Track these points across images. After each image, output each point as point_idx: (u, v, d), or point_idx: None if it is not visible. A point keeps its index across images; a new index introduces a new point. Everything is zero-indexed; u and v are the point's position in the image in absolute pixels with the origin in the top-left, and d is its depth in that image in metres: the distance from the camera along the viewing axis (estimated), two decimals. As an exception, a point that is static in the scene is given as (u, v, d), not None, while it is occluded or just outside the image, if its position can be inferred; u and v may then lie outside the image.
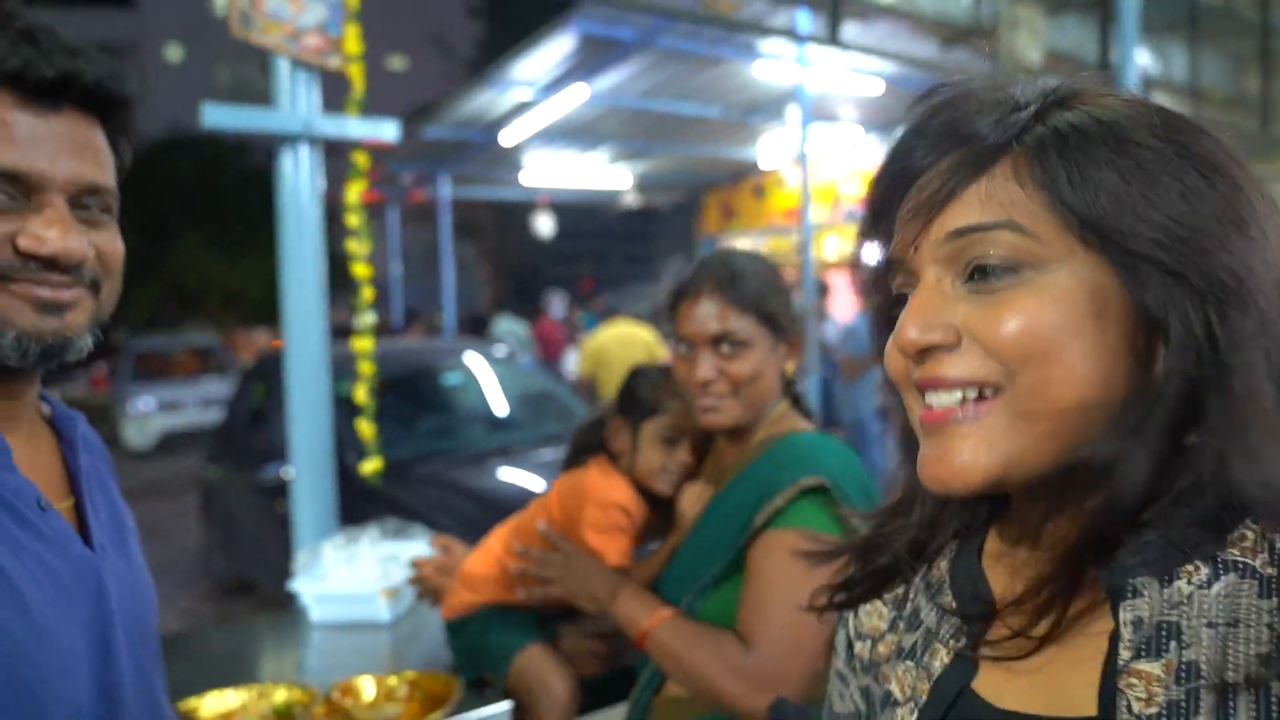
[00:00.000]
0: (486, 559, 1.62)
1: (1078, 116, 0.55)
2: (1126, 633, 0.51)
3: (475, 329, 9.64)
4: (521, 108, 7.34)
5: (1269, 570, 0.49)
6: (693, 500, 1.33)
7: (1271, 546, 0.50)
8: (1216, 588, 0.50)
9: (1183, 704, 0.48)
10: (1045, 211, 0.53)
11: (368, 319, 1.98)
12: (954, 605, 0.62)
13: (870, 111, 8.03)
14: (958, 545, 0.65)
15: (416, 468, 4.05)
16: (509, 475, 4.07)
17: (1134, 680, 0.50)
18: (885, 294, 0.62)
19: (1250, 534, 0.51)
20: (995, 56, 4.19)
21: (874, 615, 0.68)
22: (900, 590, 0.67)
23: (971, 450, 0.53)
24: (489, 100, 7.22)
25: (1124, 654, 0.51)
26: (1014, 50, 4.10)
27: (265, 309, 19.72)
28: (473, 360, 5.39)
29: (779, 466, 1.22)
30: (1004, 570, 0.61)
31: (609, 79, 6.78)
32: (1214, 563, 0.51)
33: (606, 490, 1.49)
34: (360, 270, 1.90)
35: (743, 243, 12.08)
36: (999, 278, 0.53)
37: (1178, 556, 0.51)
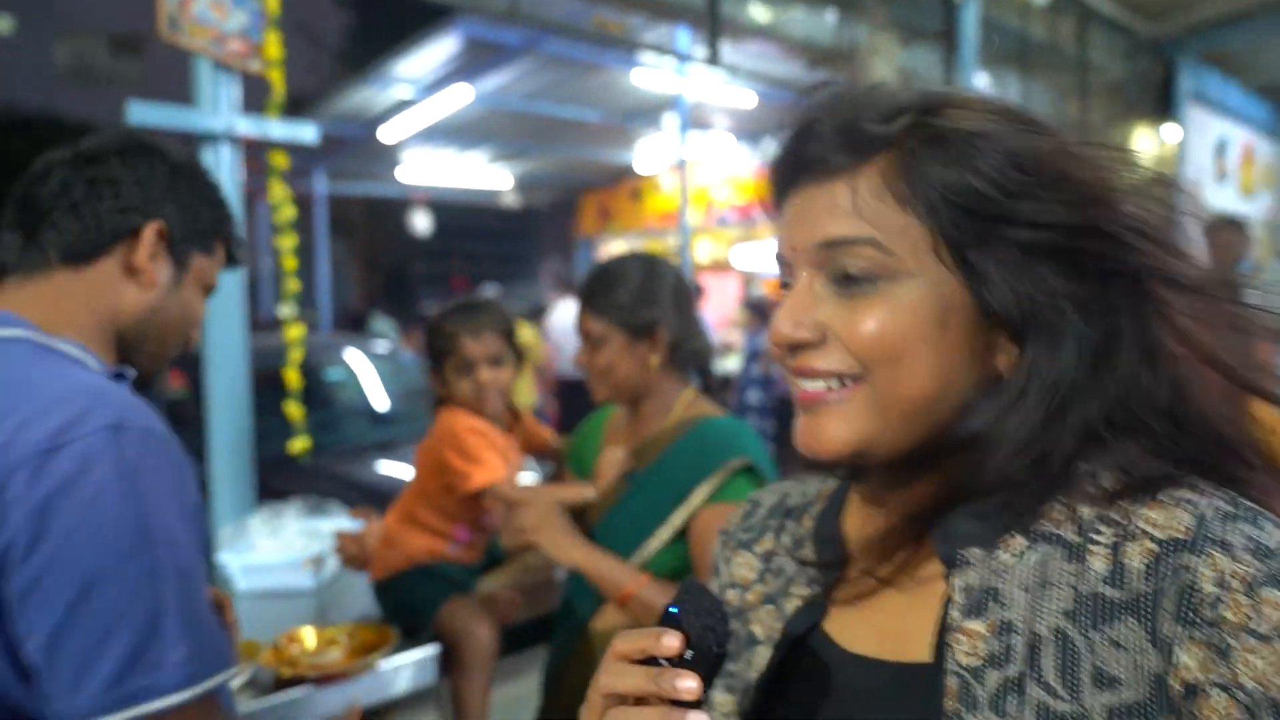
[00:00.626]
0: (403, 525, 1.80)
1: (949, 125, 0.59)
2: (958, 597, 0.58)
3: (355, 325, 9.49)
4: (402, 105, 7.27)
5: (1075, 539, 0.56)
6: (611, 462, 1.53)
7: (1078, 518, 0.56)
8: (1031, 557, 0.56)
9: (1000, 655, 0.55)
10: (906, 229, 0.58)
11: (291, 309, 2.10)
12: (812, 556, 0.69)
13: (743, 122, 8.43)
14: (822, 506, 0.73)
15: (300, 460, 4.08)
16: (391, 469, 4.15)
17: (961, 636, 0.57)
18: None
19: (1061, 508, 0.57)
20: (854, 79, 4.59)
21: (744, 567, 0.75)
22: (769, 544, 0.75)
23: (835, 427, 0.60)
24: (369, 96, 7.13)
25: (954, 615, 0.57)
26: (871, 74, 4.51)
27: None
28: (354, 356, 5.41)
29: (705, 449, 1.43)
30: (858, 527, 0.68)
31: (492, 81, 6.82)
32: (1030, 534, 0.57)
33: (451, 425, 1.73)
34: (288, 263, 2.01)
35: (619, 244, 12.35)
36: (860, 286, 0.59)
37: (1000, 530, 0.58)
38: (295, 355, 2.14)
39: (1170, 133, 6.70)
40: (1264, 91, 8.46)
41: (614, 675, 0.56)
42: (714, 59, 4.26)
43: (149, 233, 0.97)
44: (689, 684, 0.53)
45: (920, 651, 0.59)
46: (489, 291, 7.31)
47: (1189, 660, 0.49)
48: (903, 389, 0.59)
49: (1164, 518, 0.53)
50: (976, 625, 0.56)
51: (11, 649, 0.79)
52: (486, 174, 10.27)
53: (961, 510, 0.59)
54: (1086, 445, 0.58)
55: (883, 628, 0.62)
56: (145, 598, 0.80)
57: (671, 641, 0.54)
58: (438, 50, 6.29)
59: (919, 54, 4.96)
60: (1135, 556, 0.53)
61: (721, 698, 0.72)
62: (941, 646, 0.57)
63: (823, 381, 0.61)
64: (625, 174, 10.91)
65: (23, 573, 0.78)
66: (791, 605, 0.68)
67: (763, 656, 0.68)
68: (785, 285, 0.65)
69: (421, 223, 10.52)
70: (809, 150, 0.62)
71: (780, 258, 0.65)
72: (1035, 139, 0.58)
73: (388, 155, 9.15)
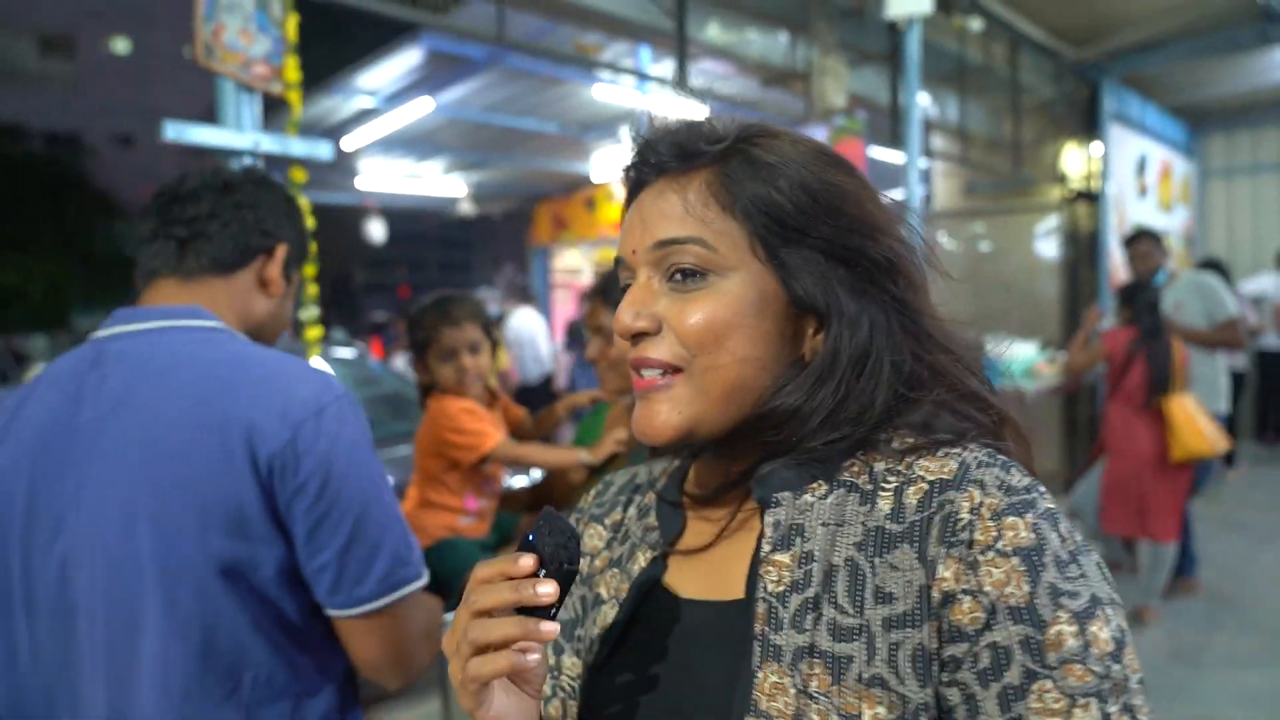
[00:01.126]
0: (419, 509, 1.99)
1: (760, 153, 0.68)
2: (769, 532, 0.66)
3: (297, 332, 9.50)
4: (363, 115, 7.38)
5: (868, 486, 0.66)
6: (615, 438, 1.74)
7: (872, 470, 0.66)
8: (830, 499, 0.66)
9: (801, 581, 0.64)
10: (728, 231, 0.67)
11: (313, 312, 2.26)
12: (656, 524, 0.77)
13: None
14: (664, 480, 0.81)
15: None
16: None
17: (770, 568, 0.65)
18: None
19: (859, 462, 0.67)
20: (807, 97, 4.86)
21: (595, 537, 0.83)
22: (618, 516, 0.83)
23: (665, 413, 0.67)
24: (331, 106, 7.23)
25: (765, 548, 0.66)
26: (823, 92, 4.79)
27: (50, 312, 17.91)
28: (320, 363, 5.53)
29: None
30: (695, 496, 0.76)
31: (453, 93, 6.97)
32: (831, 482, 0.67)
33: (444, 409, 1.95)
34: (308, 270, 2.15)
35: (573, 253, 12.54)
36: (692, 280, 0.67)
37: (807, 479, 0.67)
38: (314, 355, 2.31)
39: (1095, 149, 7.16)
40: (1178, 112, 9.04)
41: (480, 594, 0.60)
42: (682, 82, 4.45)
43: (280, 251, 1.18)
44: (546, 589, 0.59)
45: (737, 589, 0.67)
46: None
47: (946, 573, 0.60)
48: (724, 373, 0.66)
49: (937, 465, 0.64)
50: (783, 557, 0.65)
51: (283, 565, 1.02)
52: (442, 183, 10.36)
53: (776, 464, 0.68)
54: (880, 414, 0.67)
55: (712, 574, 0.70)
56: (393, 514, 1.10)
57: (527, 560, 0.60)
58: (401, 62, 6.40)
59: (866, 75, 5.26)
60: (912, 495, 0.63)
61: (569, 661, 0.79)
62: (753, 578, 0.65)
63: (655, 370, 0.68)
64: (580, 183, 11.06)
65: (313, 510, 1.01)
66: (637, 566, 0.76)
67: (607, 614, 0.75)
68: (625, 286, 0.72)
69: (377, 230, 10.56)
70: (647, 162, 0.71)
71: (620, 260, 0.72)
72: (826, 175, 0.68)
73: (345, 163, 9.19)
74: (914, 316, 0.69)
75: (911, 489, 0.64)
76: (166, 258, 1.13)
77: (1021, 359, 5.50)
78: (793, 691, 0.61)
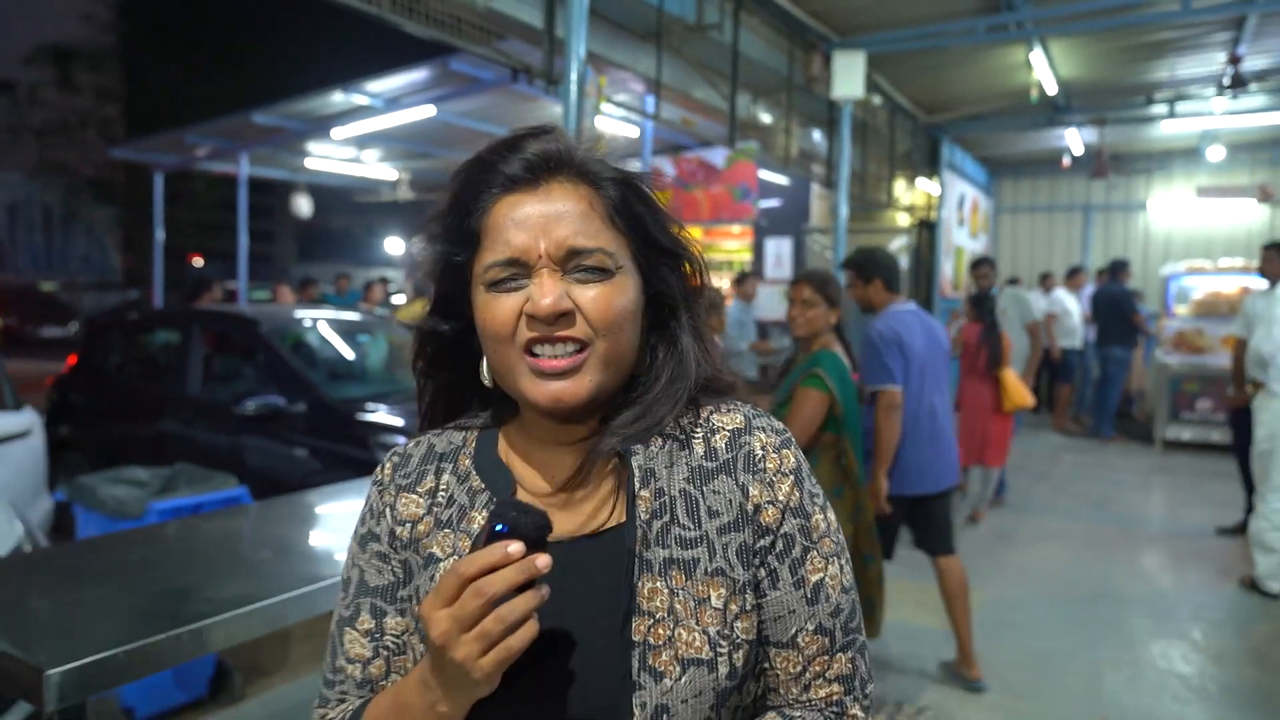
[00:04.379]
0: None
1: (642, 187, 0.86)
2: (637, 474, 0.84)
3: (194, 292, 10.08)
4: (359, 111, 8.23)
5: (680, 436, 0.86)
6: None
7: (682, 426, 0.87)
8: (664, 448, 0.86)
9: (658, 510, 0.83)
10: (618, 241, 0.84)
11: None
12: (483, 485, 0.88)
13: (626, 146, 10.15)
14: (473, 447, 0.92)
15: (370, 404, 5.25)
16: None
17: (639, 501, 0.83)
18: (458, 279, 0.85)
19: (673, 421, 0.87)
20: (765, 144, 6.56)
21: (411, 505, 0.90)
22: (431, 483, 0.91)
23: (580, 382, 0.81)
24: (330, 101, 8.05)
25: (636, 485, 0.84)
26: (777, 143, 6.53)
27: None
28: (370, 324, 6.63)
29: (815, 360, 3.31)
30: (519, 458, 0.90)
31: (453, 105, 7.89)
32: (661, 436, 0.86)
33: None
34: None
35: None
36: (597, 275, 0.81)
37: (650, 434, 0.85)
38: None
39: (935, 188, 9.52)
40: (983, 161, 11.78)
41: (489, 585, 0.68)
42: (657, 114, 5.81)
43: None
44: (545, 559, 0.69)
45: (607, 520, 0.84)
46: (418, 281, 8.33)
47: (755, 491, 0.84)
48: (620, 349, 0.83)
49: (728, 419, 0.88)
50: (645, 493, 0.83)
51: None
52: (379, 169, 11.18)
53: (618, 425, 0.85)
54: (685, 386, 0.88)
55: (560, 519, 0.81)
56: None
57: (516, 546, 0.69)
58: (417, 74, 7.31)
59: (811, 132, 7.11)
60: (720, 441, 0.86)
61: (392, 621, 0.87)
62: (631, 509, 0.83)
63: (564, 347, 0.80)
64: None
65: None
66: (475, 525, 0.86)
67: (444, 571, 0.79)
68: (507, 281, 0.81)
69: (304, 206, 11.25)
70: (560, 164, 0.83)
71: (515, 260, 0.80)
72: (666, 214, 0.89)
73: (300, 147, 9.83)
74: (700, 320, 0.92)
75: (716, 436, 0.87)
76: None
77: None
78: (665, 591, 0.79)
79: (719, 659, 0.78)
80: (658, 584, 0.80)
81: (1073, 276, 10.25)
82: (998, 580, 4.88)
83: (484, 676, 0.69)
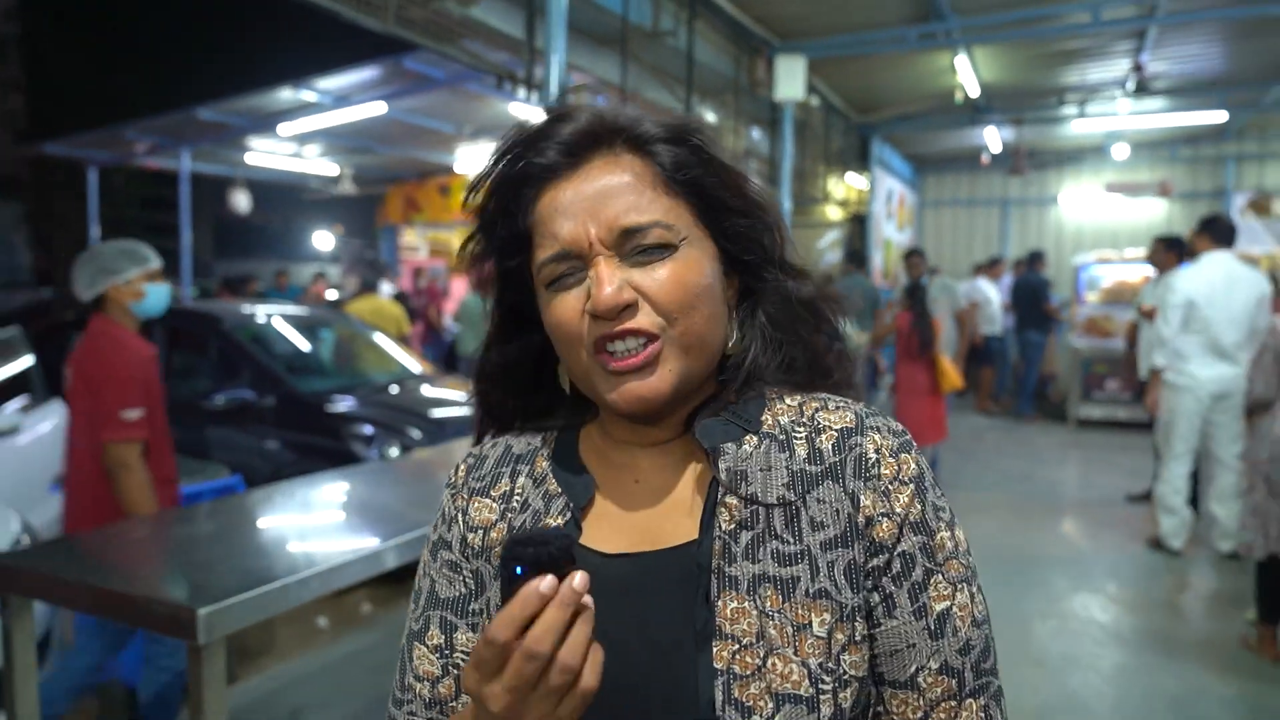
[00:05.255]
0: None
1: (700, 143, 0.76)
2: (723, 478, 0.73)
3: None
4: (304, 108, 8.22)
5: (781, 437, 0.75)
6: None
7: (779, 423, 0.76)
8: (760, 448, 0.74)
9: (748, 519, 0.72)
10: (675, 208, 0.73)
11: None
12: (559, 489, 0.79)
13: None
14: (551, 449, 0.83)
15: (336, 396, 5.39)
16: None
17: (723, 509, 0.73)
18: (521, 286, 0.78)
19: (770, 416, 0.77)
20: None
21: (484, 510, 0.82)
22: (505, 487, 0.82)
23: (658, 377, 0.72)
24: (276, 97, 8.03)
25: (720, 492, 0.73)
26: (724, 143, 6.91)
27: None
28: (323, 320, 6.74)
29: None
30: (600, 461, 0.81)
31: (402, 102, 7.95)
32: (759, 434, 0.75)
33: None
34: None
35: (411, 233, 13.65)
36: (657, 253, 0.72)
37: (738, 432, 0.75)
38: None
39: (865, 183, 10.02)
40: (909, 158, 12.39)
41: (541, 634, 0.57)
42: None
43: None
44: (581, 578, 0.59)
45: (680, 536, 0.74)
46: (367, 276, 8.34)
47: (866, 501, 0.71)
48: (699, 329, 0.73)
49: (836, 417, 0.75)
50: (731, 500, 0.73)
51: None
52: (320, 164, 11.12)
53: (706, 420, 0.75)
54: (779, 374, 0.79)
55: (639, 528, 0.76)
56: None
57: (550, 584, 0.58)
58: (364, 72, 7.34)
59: (752, 131, 7.47)
60: (825, 442, 0.74)
61: (463, 637, 0.79)
62: (709, 519, 0.73)
63: (634, 341, 0.71)
64: (436, 170, 12.01)
65: None
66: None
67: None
68: (565, 277, 0.73)
69: (242, 202, 11.13)
70: (597, 140, 0.74)
71: (566, 254, 0.72)
72: (734, 168, 0.78)
73: (241, 141, 9.72)
74: (795, 288, 0.80)
75: (822, 436, 0.75)
76: None
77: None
78: (754, 613, 0.69)
79: (821, 697, 0.67)
80: (745, 604, 0.69)
81: (992, 267, 10.89)
82: (936, 547, 5.32)
83: (574, 712, 0.61)
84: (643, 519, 0.76)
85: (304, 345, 6.32)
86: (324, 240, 23.00)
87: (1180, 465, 5.03)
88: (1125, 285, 9.86)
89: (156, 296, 2.80)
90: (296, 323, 6.39)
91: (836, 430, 0.75)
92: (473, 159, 11.08)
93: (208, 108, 8.05)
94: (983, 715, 0.73)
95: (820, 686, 0.67)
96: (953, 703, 0.71)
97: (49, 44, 27.69)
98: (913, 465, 0.74)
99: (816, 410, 0.77)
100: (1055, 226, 12.99)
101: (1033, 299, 9.76)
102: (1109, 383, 9.29)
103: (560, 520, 0.77)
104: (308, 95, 7.96)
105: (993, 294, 10.33)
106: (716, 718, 0.67)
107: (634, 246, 0.72)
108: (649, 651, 0.70)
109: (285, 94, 7.91)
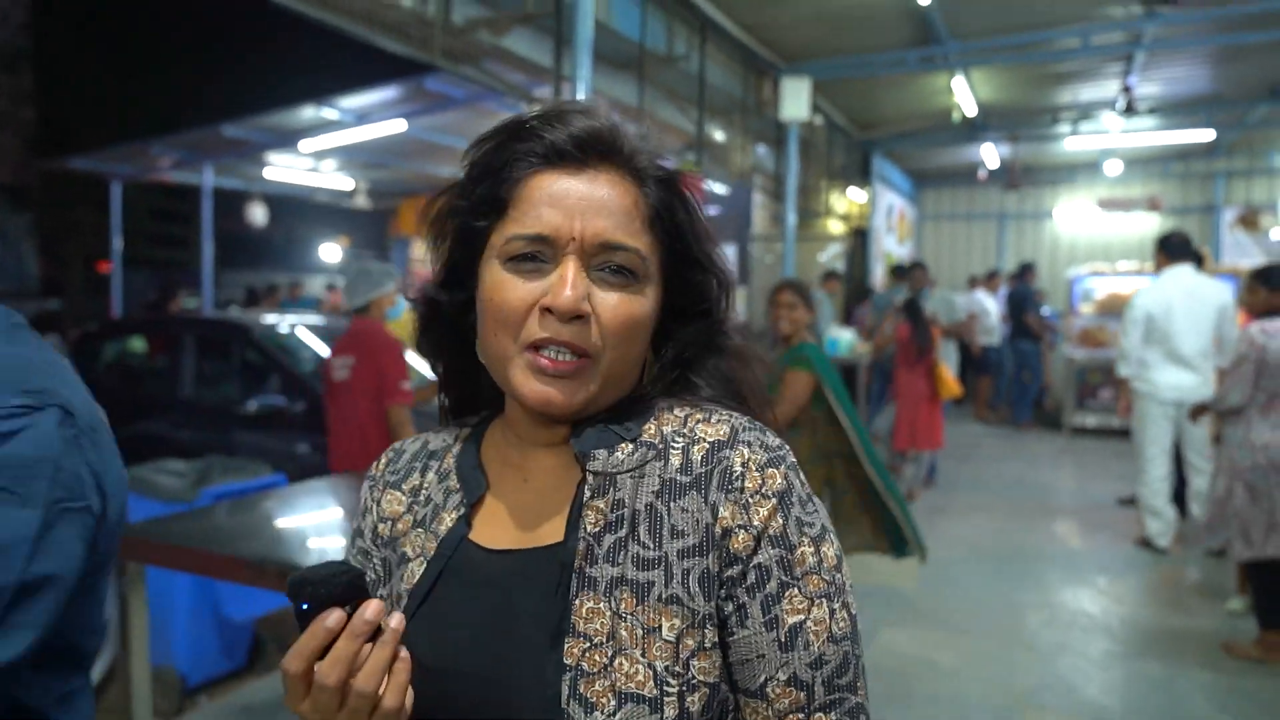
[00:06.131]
0: None
1: (686, 192, 0.80)
2: (590, 481, 0.76)
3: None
4: (325, 125, 8.48)
5: (660, 445, 0.77)
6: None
7: (663, 434, 0.78)
8: (635, 456, 0.77)
9: (613, 523, 0.74)
10: (651, 247, 0.77)
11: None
12: (458, 485, 0.83)
13: None
14: (460, 446, 0.87)
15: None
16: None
17: (589, 512, 0.75)
18: (470, 247, 0.78)
19: (653, 426, 0.79)
20: (719, 160, 7.20)
21: (394, 502, 0.86)
22: (416, 481, 0.87)
23: (571, 390, 0.74)
24: (298, 114, 8.26)
25: (587, 494, 0.76)
26: (730, 158, 7.18)
27: None
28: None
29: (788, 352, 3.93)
30: (497, 459, 0.84)
31: (421, 120, 8.17)
32: (635, 442, 0.78)
33: None
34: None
35: (421, 245, 13.90)
36: (624, 278, 0.75)
37: (615, 440, 0.78)
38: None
39: (866, 198, 10.32)
40: (909, 173, 12.72)
41: (329, 671, 0.63)
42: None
43: None
44: (372, 611, 0.65)
45: (554, 535, 0.76)
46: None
47: (725, 513, 0.73)
48: (624, 365, 0.77)
49: (713, 429, 0.77)
50: (599, 503, 0.75)
51: None
52: (338, 179, 11.37)
53: (589, 429, 0.78)
54: (670, 387, 0.82)
55: (520, 525, 0.79)
56: None
57: (336, 616, 0.64)
58: (387, 90, 7.59)
59: (758, 148, 7.78)
60: (697, 453, 0.76)
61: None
62: (574, 521, 0.75)
63: (568, 353, 0.73)
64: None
65: None
66: (444, 526, 0.81)
67: (415, 571, 0.80)
68: (527, 259, 0.74)
69: (259, 214, 11.42)
70: (610, 151, 0.76)
71: (543, 237, 0.73)
72: (708, 228, 0.82)
73: (260, 156, 9.96)
74: (723, 332, 0.84)
75: (695, 447, 0.76)
76: None
77: (846, 340, 8.31)
78: (607, 614, 0.71)
79: (665, 699, 0.69)
80: (600, 605, 0.72)
81: (990, 279, 11.17)
82: (936, 545, 5.57)
83: None
84: (525, 517, 0.79)
85: (326, 353, 6.60)
86: (331, 252, 23.29)
87: (1156, 468, 5.30)
88: (1118, 297, 10.13)
89: (400, 306, 3.65)
90: (321, 333, 6.67)
91: (709, 442, 0.77)
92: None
93: (233, 124, 8.31)
94: None
95: (665, 688, 0.69)
96: (800, 715, 0.72)
97: (63, 57, 28.01)
98: (779, 480, 0.74)
99: (697, 422, 0.79)
100: (1050, 240, 13.31)
101: (1020, 310, 9.99)
102: (1103, 392, 9.56)
103: (452, 517, 0.81)
104: (329, 113, 8.19)
105: (990, 306, 10.60)
106: (562, 710, 0.69)
107: (605, 261, 0.74)
108: (513, 644, 0.73)
109: (308, 111, 8.15)
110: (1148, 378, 5.23)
